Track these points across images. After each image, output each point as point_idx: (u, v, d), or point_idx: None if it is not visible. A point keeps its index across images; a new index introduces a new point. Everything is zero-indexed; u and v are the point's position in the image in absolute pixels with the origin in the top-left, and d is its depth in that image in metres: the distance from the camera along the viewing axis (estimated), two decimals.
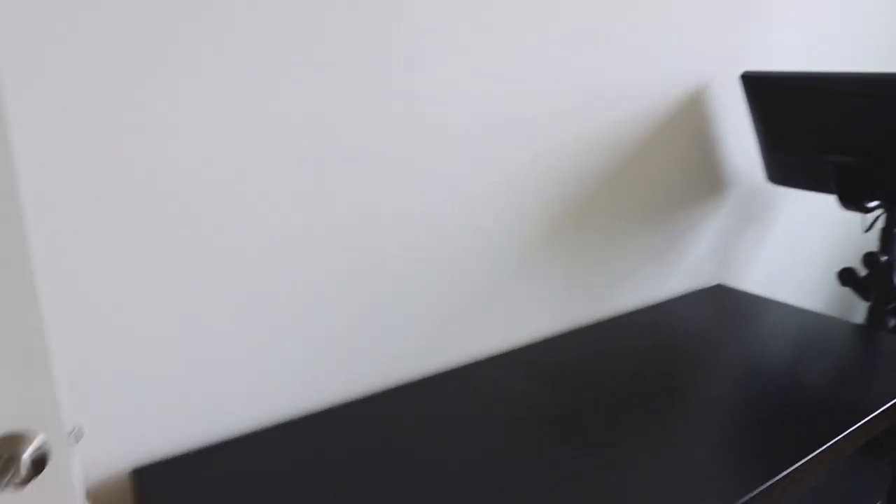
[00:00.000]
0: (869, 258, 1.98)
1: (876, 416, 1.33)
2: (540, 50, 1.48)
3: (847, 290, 2.74)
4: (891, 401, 1.38)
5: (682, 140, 1.88)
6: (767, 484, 1.11)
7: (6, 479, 0.79)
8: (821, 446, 1.22)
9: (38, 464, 0.83)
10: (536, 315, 1.67)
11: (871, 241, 2.66)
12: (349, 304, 1.34)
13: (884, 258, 1.95)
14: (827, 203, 2.44)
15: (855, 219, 2.60)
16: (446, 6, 1.31)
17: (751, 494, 1.09)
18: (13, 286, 0.79)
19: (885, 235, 1.95)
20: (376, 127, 1.28)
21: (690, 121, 1.89)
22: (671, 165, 1.87)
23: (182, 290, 1.14)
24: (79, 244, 1.04)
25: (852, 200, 1.79)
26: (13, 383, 0.81)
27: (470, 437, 1.24)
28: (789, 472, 1.15)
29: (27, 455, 0.82)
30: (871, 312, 2.01)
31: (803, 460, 1.18)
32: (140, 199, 1.07)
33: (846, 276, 2.06)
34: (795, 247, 2.38)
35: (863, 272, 2.06)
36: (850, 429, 1.27)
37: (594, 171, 1.68)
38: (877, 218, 2.02)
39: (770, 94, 1.83)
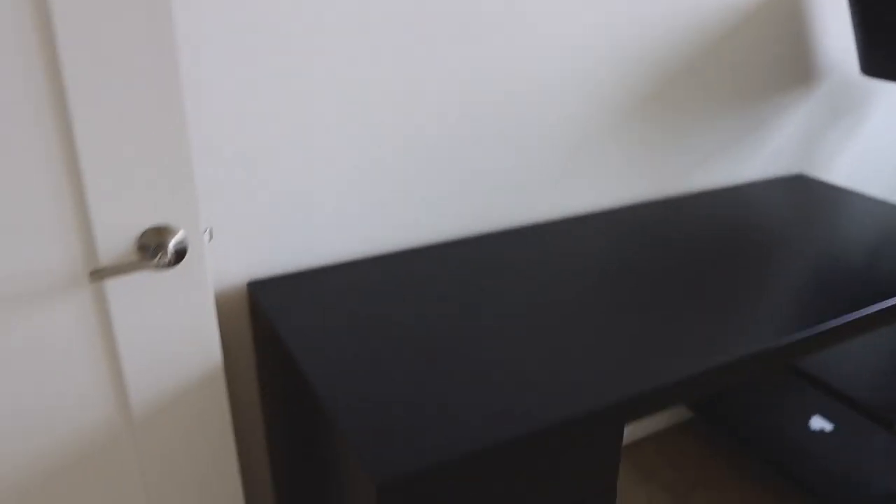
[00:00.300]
0: None
1: None
2: None
3: None
4: None
5: (775, 26, 1.89)
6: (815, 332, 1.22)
7: (156, 261, 0.99)
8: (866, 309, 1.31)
9: (180, 253, 1.03)
10: (618, 183, 1.77)
11: None
12: (455, 154, 1.48)
13: None
14: None
15: None
16: None
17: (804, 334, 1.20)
18: (165, 108, 0.96)
19: None
20: (495, 5, 1.39)
21: (785, 7, 1.89)
22: (762, 50, 1.90)
23: (313, 121, 1.30)
24: (224, 67, 1.20)
25: None
26: (164, 187, 1.00)
27: (544, 280, 1.38)
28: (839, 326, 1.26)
29: (172, 244, 1.01)
30: None
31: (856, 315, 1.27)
32: (277, 36, 1.22)
33: None
34: (886, 142, 2.36)
35: None
36: None
37: (685, 50, 1.73)
38: None
39: None
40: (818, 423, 2.04)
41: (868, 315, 1.32)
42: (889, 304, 1.35)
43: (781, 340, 1.20)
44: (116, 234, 0.99)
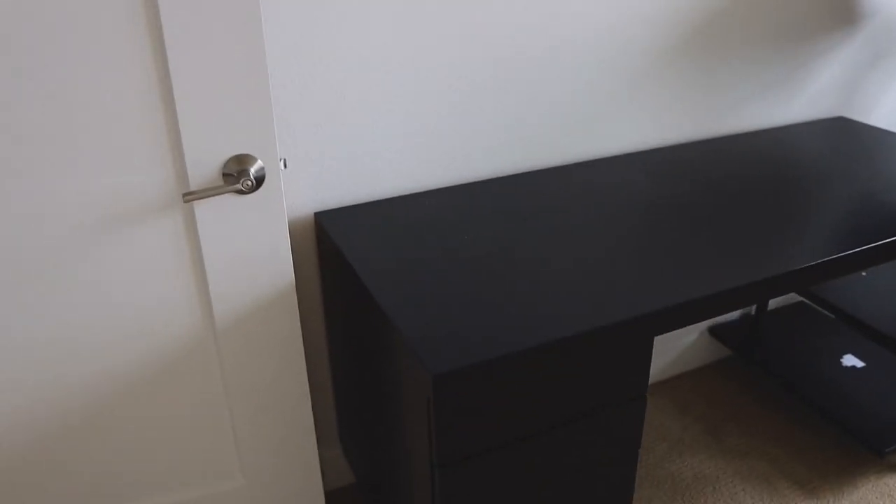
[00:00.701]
0: None
1: None
2: None
3: None
4: None
5: None
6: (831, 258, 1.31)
7: (239, 185, 1.12)
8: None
9: (259, 180, 1.16)
10: (653, 124, 1.86)
11: None
12: (503, 98, 1.59)
13: None
14: None
15: None
16: None
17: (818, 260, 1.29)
18: (248, 50, 1.08)
19: None
20: None
21: None
22: None
23: (374, 65, 1.42)
24: (296, 13, 1.33)
25: None
26: (245, 120, 1.13)
27: (586, 212, 1.49)
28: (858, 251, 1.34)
29: (253, 171, 1.15)
30: None
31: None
32: None
33: None
34: None
35: None
36: None
37: None
38: None
39: None
40: (850, 360, 2.12)
41: (888, 244, 1.40)
42: None
43: (799, 265, 1.30)
44: (205, 161, 1.13)
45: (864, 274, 2.05)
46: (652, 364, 2.19)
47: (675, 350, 2.22)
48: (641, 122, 1.83)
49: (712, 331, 2.23)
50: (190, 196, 1.10)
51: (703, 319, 1.22)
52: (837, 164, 1.76)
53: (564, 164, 1.76)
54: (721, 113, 1.96)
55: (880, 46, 2.18)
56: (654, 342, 2.17)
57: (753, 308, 2.33)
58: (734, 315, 2.32)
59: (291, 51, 1.35)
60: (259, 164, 1.16)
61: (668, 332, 1.19)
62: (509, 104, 1.62)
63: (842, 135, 1.99)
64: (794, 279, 1.30)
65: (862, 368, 2.08)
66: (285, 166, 1.28)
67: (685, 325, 1.21)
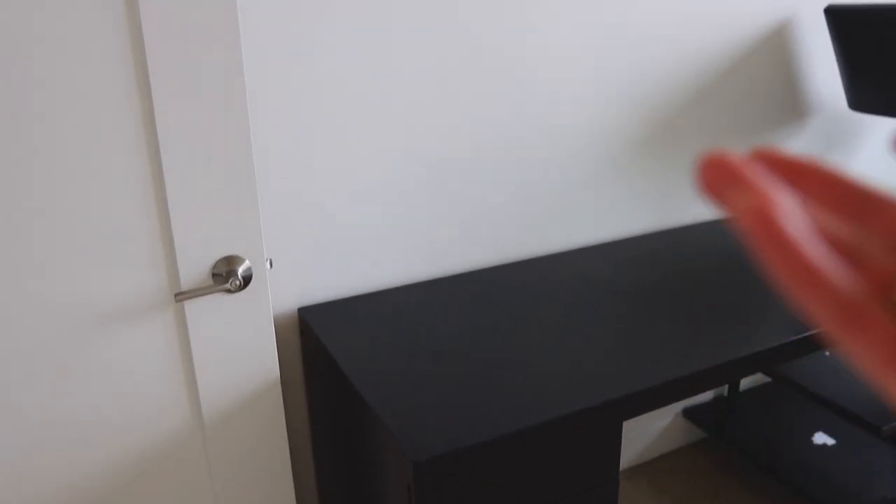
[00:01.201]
0: None
1: None
2: None
3: None
4: None
5: (768, 67, 2.08)
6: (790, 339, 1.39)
7: (229, 284, 1.19)
8: None
9: (246, 279, 1.23)
10: (621, 215, 1.96)
11: None
12: (475, 194, 1.68)
13: None
14: None
15: None
16: None
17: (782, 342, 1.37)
18: (237, 158, 1.17)
19: None
20: (501, 49, 1.59)
21: (777, 50, 2.08)
22: (756, 90, 2.09)
23: (354, 167, 1.51)
24: (291, 121, 1.42)
25: None
26: (234, 223, 1.21)
27: (557, 303, 1.56)
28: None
29: (240, 271, 1.22)
30: None
31: None
32: (332, 92, 1.44)
33: None
34: (876, 169, 2.52)
35: None
36: None
37: (686, 92, 1.93)
38: None
39: (851, 26, 2.00)
40: (821, 437, 2.18)
41: None
42: None
43: (767, 346, 1.37)
44: (195, 262, 1.20)
45: (827, 353, 2.13)
46: (629, 448, 2.24)
47: (651, 433, 2.27)
48: (607, 215, 1.93)
49: (686, 413, 2.29)
50: (181, 296, 1.16)
51: (673, 402, 1.29)
52: None
53: (536, 256, 1.85)
54: (683, 204, 2.07)
55: (830, 137, 2.32)
56: (631, 426, 2.21)
57: (726, 389, 2.40)
58: (707, 396, 2.38)
59: (277, 157, 1.44)
60: (246, 264, 1.23)
61: (638, 415, 1.25)
62: (481, 203, 1.71)
63: None
64: (760, 360, 1.37)
65: (833, 446, 2.13)
66: (271, 266, 1.35)
67: (655, 409, 1.27)
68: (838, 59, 2.11)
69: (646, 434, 2.26)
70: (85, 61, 1.05)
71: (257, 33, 1.36)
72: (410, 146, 1.58)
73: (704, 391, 1.32)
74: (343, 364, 1.32)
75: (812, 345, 1.45)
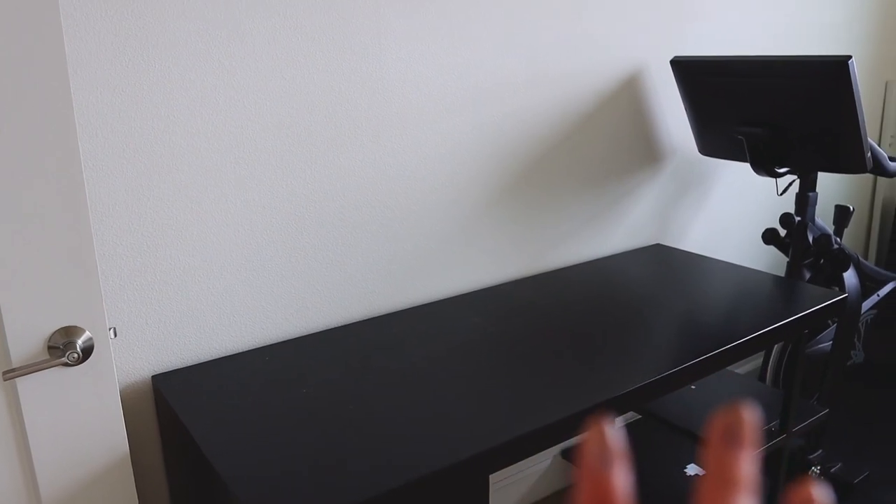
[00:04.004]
0: (785, 219, 2.28)
1: (754, 338, 1.64)
2: (494, 34, 1.78)
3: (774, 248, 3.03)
4: (769, 327, 1.68)
5: (623, 115, 2.18)
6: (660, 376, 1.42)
7: (65, 359, 1.10)
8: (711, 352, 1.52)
9: (87, 351, 1.15)
10: (488, 264, 1.97)
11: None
12: (336, 250, 1.65)
13: (797, 218, 2.24)
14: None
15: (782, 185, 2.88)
16: (409, 2, 1.61)
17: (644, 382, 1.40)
18: (72, 220, 1.09)
19: (800, 198, 2.24)
20: (355, 104, 1.58)
21: (630, 98, 2.18)
22: (612, 137, 2.17)
23: (205, 228, 1.45)
24: (133, 179, 1.34)
25: (762, 166, 2.09)
26: (71, 292, 1.12)
27: (423, 355, 1.54)
28: (682, 368, 1.46)
29: (80, 343, 1.13)
30: (790, 267, 2.31)
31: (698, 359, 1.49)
32: (182, 145, 1.37)
33: (769, 236, 2.35)
34: (728, 210, 2.67)
35: (783, 232, 2.35)
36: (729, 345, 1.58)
37: (543, 139, 1.98)
38: (791, 183, 2.31)
39: (694, 76, 2.12)
40: (693, 469, 2.24)
41: (712, 357, 1.54)
42: (730, 347, 1.57)
43: (636, 384, 1.40)
44: (27, 335, 1.10)
45: (693, 387, 2.21)
46: (511, 492, 2.22)
47: (531, 477, 2.27)
48: (476, 264, 1.94)
49: (564, 454, 2.30)
50: (10, 374, 1.06)
51: (546, 448, 1.28)
52: (658, 289, 1.93)
53: (404, 308, 1.83)
54: (548, 249, 2.11)
55: (684, 179, 2.44)
56: (510, 472, 2.21)
57: None
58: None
59: (123, 218, 1.36)
60: (87, 335, 1.15)
61: (509, 465, 1.24)
62: (344, 254, 1.69)
63: (660, 260, 2.19)
64: (630, 399, 1.40)
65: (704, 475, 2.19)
66: (115, 335, 1.27)
67: (528, 456, 1.27)
68: (686, 108, 2.23)
69: (526, 478, 2.25)
70: None
71: (97, 88, 1.30)
72: (265, 206, 1.54)
73: (577, 435, 1.33)
74: (197, 436, 1.24)
75: (677, 381, 1.49)
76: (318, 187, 1.59)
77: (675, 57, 2.16)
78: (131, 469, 1.26)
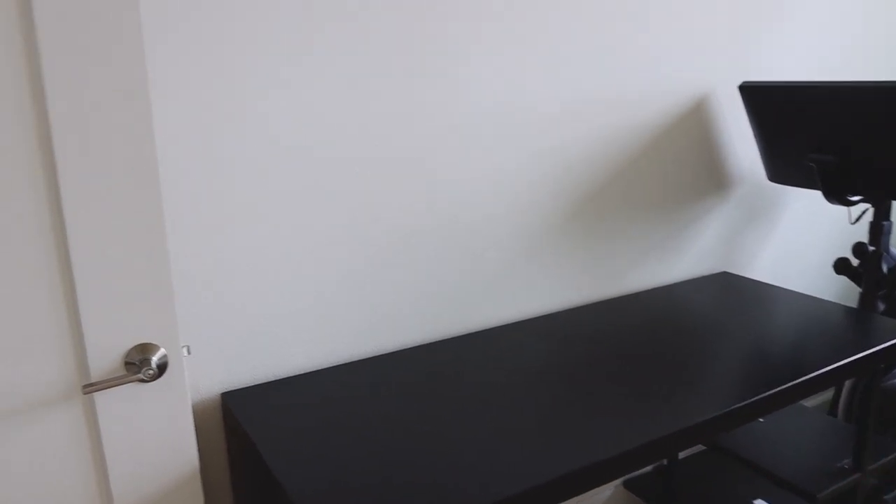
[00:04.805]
0: (858, 248, 2.21)
1: (826, 372, 1.59)
2: (565, 61, 1.78)
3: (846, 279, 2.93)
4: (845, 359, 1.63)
5: (690, 141, 2.15)
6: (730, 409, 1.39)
7: (141, 375, 1.14)
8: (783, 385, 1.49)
9: (162, 367, 1.18)
10: (551, 290, 1.96)
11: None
12: (406, 271, 1.67)
13: (871, 248, 2.17)
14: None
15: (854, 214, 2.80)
16: (483, 28, 1.63)
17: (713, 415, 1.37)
18: (150, 240, 1.13)
19: (873, 227, 2.18)
20: (418, 131, 1.61)
21: (697, 124, 2.15)
22: (680, 163, 2.15)
23: (277, 248, 1.48)
24: (207, 202, 1.39)
25: (835, 195, 2.03)
26: (147, 309, 1.16)
27: (490, 380, 1.54)
28: (754, 401, 1.43)
29: (155, 359, 1.17)
30: (863, 298, 2.23)
31: (769, 392, 1.45)
32: (256, 170, 1.42)
33: (841, 266, 2.28)
34: (798, 239, 2.61)
35: (856, 262, 2.28)
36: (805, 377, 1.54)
37: (612, 165, 1.97)
38: (864, 211, 2.25)
39: (764, 102, 2.09)
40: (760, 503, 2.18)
41: (782, 391, 1.50)
42: (801, 381, 1.53)
43: (703, 417, 1.37)
44: (106, 351, 1.14)
45: (761, 420, 2.15)
46: None
47: None
48: (538, 290, 1.94)
49: (627, 484, 2.26)
50: (90, 388, 1.10)
51: (613, 479, 1.26)
52: (725, 318, 1.89)
53: (467, 332, 1.83)
54: (615, 275, 2.09)
55: (752, 207, 2.40)
56: (570, 501, 2.17)
57: (665, 458, 2.38)
58: (647, 466, 2.36)
59: (194, 236, 1.41)
60: (162, 352, 1.18)
61: (578, 494, 1.22)
62: (411, 276, 1.70)
63: (726, 289, 2.15)
64: (699, 432, 1.37)
65: None
66: (188, 353, 1.30)
67: (595, 487, 1.25)
68: (755, 134, 2.19)
69: None
70: None
71: (177, 103, 1.35)
72: (336, 230, 1.56)
73: (643, 467, 1.31)
74: (266, 454, 1.26)
75: (745, 416, 1.45)
76: (383, 214, 1.61)
77: (744, 82, 2.13)
78: (201, 485, 1.29)
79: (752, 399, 1.46)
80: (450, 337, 1.80)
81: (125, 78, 1.07)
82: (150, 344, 1.18)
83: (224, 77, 1.37)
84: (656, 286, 2.21)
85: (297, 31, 1.42)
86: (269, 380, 1.56)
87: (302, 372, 1.60)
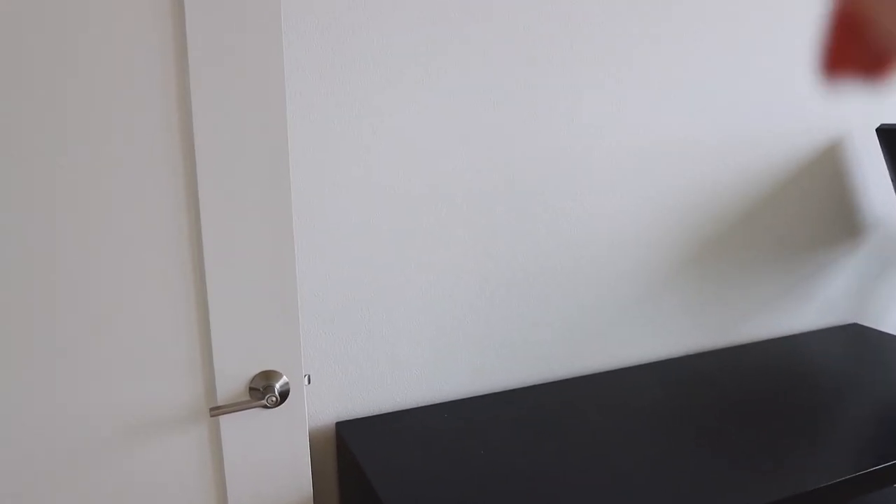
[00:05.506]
0: None
1: None
2: (696, 100, 1.75)
3: None
4: None
5: (820, 184, 2.06)
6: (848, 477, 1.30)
7: (265, 400, 1.17)
8: None
9: (283, 395, 1.21)
10: (669, 334, 1.90)
11: None
12: (521, 311, 1.66)
13: None
14: None
15: None
16: (606, 62, 1.62)
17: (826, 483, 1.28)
18: (281, 271, 1.17)
19: None
20: (539, 170, 1.61)
21: (829, 167, 2.06)
22: (808, 207, 2.05)
23: (395, 285, 1.51)
24: (331, 236, 1.43)
25: None
26: (273, 338, 1.20)
27: (605, 424, 1.50)
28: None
29: (278, 387, 1.20)
30: None
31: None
32: (380, 210, 1.45)
33: None
34: None
35: None
36: None
37: (732, 206, 1.90)
38: None
39: None
40: None
41: None
42: None
43: (829, 481, 1.29)
44: (233, 375, 1.19)
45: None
46: None
47: None
48: (655, 334, 1.88)
49: None
50: (217, 411, 1.14)
51: None
52: (855, 372, 1.78)
53: (579, 375, 1.80)
54: (734, 323, 2.01)
55: (886, 256, 2.26)
56: None
57: None
58: None
59: (319, 269, 1.45)
60: (284, 379, 1.22)
61: None
62: (523, 318, 1.69)
63: (856, 342, 2.02)
64: (822, 497, 1.29)
65: None
66: (309, 382, 1.33)
67: None
68: (892, 179, 2.07)
69: None
70: (133, 164, 1.08)
71: (309, 131, 1.40)
72: (456, 265, 1.57)
73: None
74: (377, 485, 1.27)
75: (878, 481, 1.36)
76: (500, 252, 1.62)
77: (882, 125, 2.02)
78: None
79: (886, 464, 1.36)
80: (563, 378, 1.77)
81: (268, 120, 1.12)
82: (273, 371, 1.21)
83: (366, 117, 1.42)
84: (781, 335, 2.10)
85: (424, 74, 1.46)
86: (384, 412, 1.57)
87: (415, 406, 1.61)
